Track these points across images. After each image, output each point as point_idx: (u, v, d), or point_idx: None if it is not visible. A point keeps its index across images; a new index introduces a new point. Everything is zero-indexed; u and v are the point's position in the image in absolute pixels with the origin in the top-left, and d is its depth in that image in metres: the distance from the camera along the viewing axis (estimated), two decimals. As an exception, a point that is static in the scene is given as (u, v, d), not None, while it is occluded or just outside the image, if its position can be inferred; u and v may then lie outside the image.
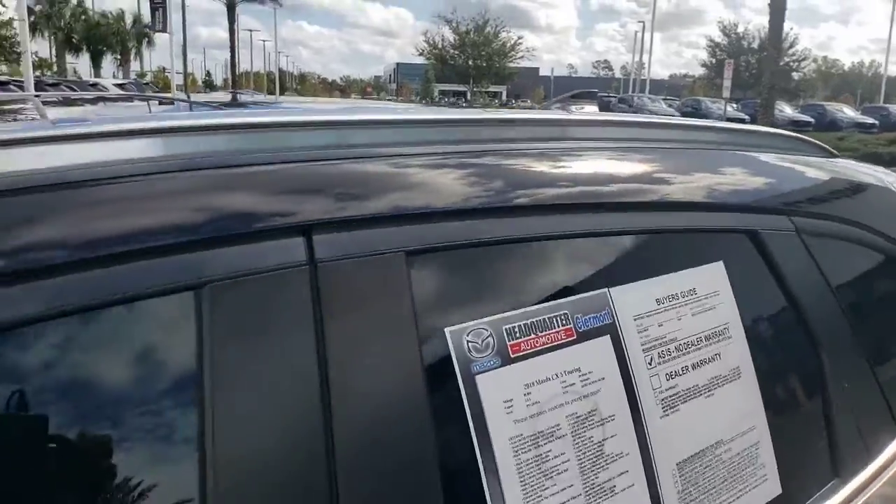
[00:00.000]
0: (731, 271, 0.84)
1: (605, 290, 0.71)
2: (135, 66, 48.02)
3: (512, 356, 0.63)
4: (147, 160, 0.56)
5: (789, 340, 0.89)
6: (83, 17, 42.48)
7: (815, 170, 1.09)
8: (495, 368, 0.62)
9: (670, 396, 0.73)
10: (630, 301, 0.73)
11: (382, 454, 0.55)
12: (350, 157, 0.65)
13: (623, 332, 0.71)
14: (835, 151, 1.24)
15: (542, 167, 0.77)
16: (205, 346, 0.51)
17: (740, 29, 52.50)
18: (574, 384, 0.66)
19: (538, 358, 0.64)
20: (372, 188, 0.64)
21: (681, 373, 0.75)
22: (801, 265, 0.91)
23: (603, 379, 0.68)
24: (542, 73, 79.38)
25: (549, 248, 0.72)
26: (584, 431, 0.65)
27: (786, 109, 26.95)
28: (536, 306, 0.66)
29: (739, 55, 46.26)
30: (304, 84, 77.57)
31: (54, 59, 41.32)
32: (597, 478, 0.65)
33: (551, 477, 0.62)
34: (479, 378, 0.61)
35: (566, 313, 0.67)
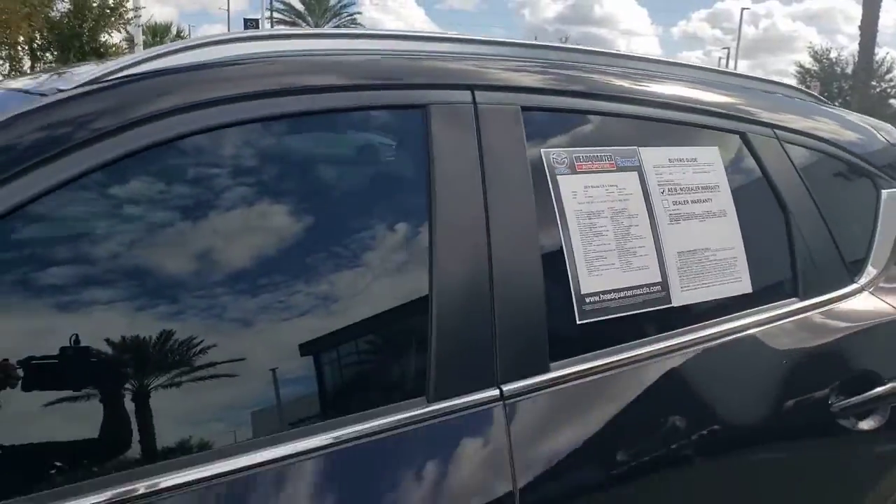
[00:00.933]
0: (724, 156, 1.32)
1: (636, 147, 1.21)
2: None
3: (577, 170, 1.13)
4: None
5: (762, 201, 1.35)
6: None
7: (799, 104, 1.55)
8: (567, 174, 1.12)
9: (675, 213, 1.21)
10: (652, 156, 1.22)
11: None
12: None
13: (645, 172, 1.20)
14: (826, 101, 1.69)
15: (618, 80, 1.28)
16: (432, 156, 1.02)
17: (833, 55, 50.83)
18: (613, 192, 1.15)
19: (592, 175, 1.14)
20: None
21: (683, 203, 1.23)
22: (777, 158, 1.38)
23: (631, 194, 1.17)
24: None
25: (611, 122, 1.23)
26: (618, 217, 1.15)
27: None
28: (593, 148, 1.17)
29: (832, 81, 44.62)
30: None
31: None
32: (624, 245, 1.14)
33: (598, 236, 1.12)
34: (559, 178, 1.11)
35: (610, 155, 1.17)
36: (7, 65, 9.71)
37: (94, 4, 9.71)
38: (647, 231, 1.17)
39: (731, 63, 46.57)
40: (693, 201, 1.25)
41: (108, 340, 0.81)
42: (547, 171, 1.11)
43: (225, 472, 0.81)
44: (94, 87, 0.86)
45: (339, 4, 41.84)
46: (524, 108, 1.11)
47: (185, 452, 0.82)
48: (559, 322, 1.06)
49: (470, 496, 0.94)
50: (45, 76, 1.16)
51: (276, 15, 36.59)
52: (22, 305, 0.79)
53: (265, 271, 0.92)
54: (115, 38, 10.39)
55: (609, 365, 1.08)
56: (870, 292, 1.41)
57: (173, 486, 0.78)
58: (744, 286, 1.27)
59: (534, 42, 1.31)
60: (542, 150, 1.11)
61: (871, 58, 18.69)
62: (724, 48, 54.00)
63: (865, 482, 1.37)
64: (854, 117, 1.68)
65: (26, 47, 9.53)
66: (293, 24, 41.02)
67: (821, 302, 1.35)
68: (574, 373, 1.05)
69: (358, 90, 1.02)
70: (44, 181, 0.78)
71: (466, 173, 1.03)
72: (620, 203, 1.16)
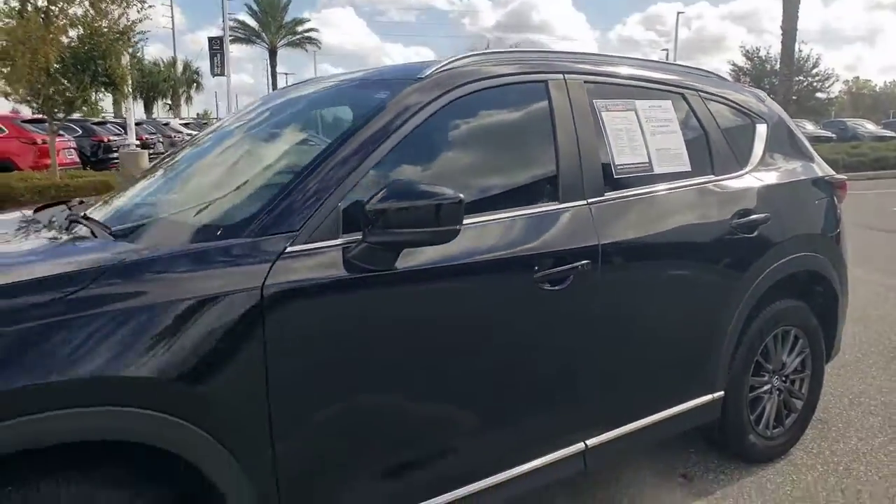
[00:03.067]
0: (674, 105, 2.68)
1: (633, 100, 2.55)
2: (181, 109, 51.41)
3: (609, 110, 2.46)
4: None
5: (693, 127, 2.70)
6: (139, 67, 46.04)
7: (713, 79, 2.94)
8: (606, 112, 2.45)
9: (652, 130, 2.55)
10: (641, 105, 2.56)
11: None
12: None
13: (638, 111, 2.53)
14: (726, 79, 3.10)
15: (626, 67, 2.62)
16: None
17: (762, 53, 54.57)
18: (625, 120, 2.49)
19: (615, 112, 2.47)
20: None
21: (656, 126, 2.57)
22: (700, 106, 2.75)
23: (633, 121, 2.51)
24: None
25: (622, 87, 2.55)
26: (628, 131, 2.47)
27: (807, 126, 28.62)
28: (615, 100, 2.50)
29: (762, 78, 47.47)
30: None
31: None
32: (632, 144, 2.47)
33: (620, 139, 2.44)
34: (603, 114, 2.44)
35: (623, 103, 2.51)
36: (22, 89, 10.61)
37: (105, 29, 10.71)
38: (640, 138, 2.51)
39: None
40: (660, 126, 2.60)
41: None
42: (597, 110, 2.43)
43: None
44: (438, 70, 2.13)
45: (293, 21, 42.82)
46: (585, 81, 2.44)
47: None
48: (608, 174, 2.38)
49: None
50: (375, 77, 2.44)
51: (230, 34, 37.26)
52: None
53: (505, 175, 2.20)
54: (123, 60, 11.38)
55: (630, 195, 2.41)
56: (747, 173, 2.80)
57: None
58: (686, 167, 2.62)
59: (587, 51, 2.65)
60: (594, 100, 2.44)
61: (791, 55, 20.88)
62: (662, 49, 56.93)
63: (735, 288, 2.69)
64: (740, 86, 3.07)
65: (43, 71, 10.41)
66: (248, 41, 41.87)
67: (726, 177, 2.72)
68: (616, 197, 2.36)
69: (527, 73, 2.32)
70: (426, 112, 2.04)
71: (566, 112, 2.34)
72: (629, 125, 2.50)
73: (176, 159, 2.69)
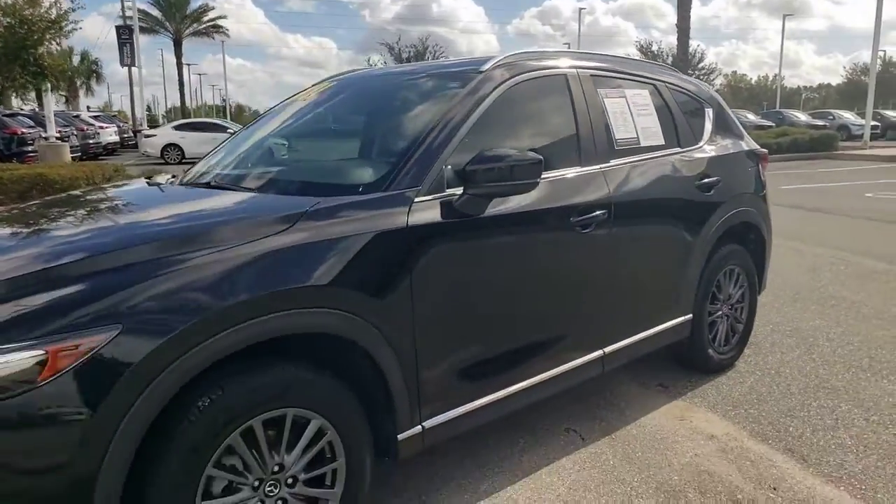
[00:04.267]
0: (650, 93, 3.45)
1: (622, 88, 3.29)
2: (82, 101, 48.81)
3: (608, 97, 3.18)
4: None
5: (663, 110, 3.49)
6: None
7: (673, 72, 3.75)
8: (607, 98, 3.17)
9: (637, 113, 3.30)
10: (629, 92, 3.31)
11: None
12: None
13: (627, 97, 3.28)
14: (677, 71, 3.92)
15: (618, 64, 3.35)
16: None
17: (654, 48, 58.45)
18: (620, 104, 3.22)
19: (613, 98, 3.20)
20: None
21: (639, 109, 3.33)
22: (666, 93, 3.53)
23: (624, 105, 3.25)
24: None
25: (617, 79, 3.29)
26: (622, 112, 3.21)
27: (749, 116, 31.03)
28: (614, 88, 3.23)
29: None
30: (241, 116, 78.94)
31: None
32: (624, 123, 3.21)
33: (617, 119, 3.17)
34: (605, 100, 3.16)
35: (619, 91, 3.24)
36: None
37: (36, 18, 10.53)
38: (630, 119, 3.26)
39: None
40: (642, 109, 3.36)
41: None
42: (600, 96, 3.15)
43: None
44: (492, 66, 2.77)
45: (199, 9, 41.57)
46: (591, 74, 3.16)
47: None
48: (611, 146, 3.10)
49: None
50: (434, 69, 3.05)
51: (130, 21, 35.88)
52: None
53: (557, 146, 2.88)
54: (54, 50, 11.18)
55: (627, 162, 3.14)
56: (702, 146, 3.62)
57: None
58: (661, 141, 3.40)
59: (590, 52, 3.36)
60: (598, 88, 3.16)
61: (686, 50, 22.71)
62: (564, 43, 59.37)
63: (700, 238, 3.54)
64: (691, 78, 3.90)
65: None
66: (151, 30, 40.31)
67: (688, 149, 3.52)
68: (618, 164, 3.09)
69: (552, 68, 3.00)
70: (491, 98, 2.68)
71: (580, 97, 3.04)
72: (622, 108, 3.24)
73: (262, 134, 3.22)
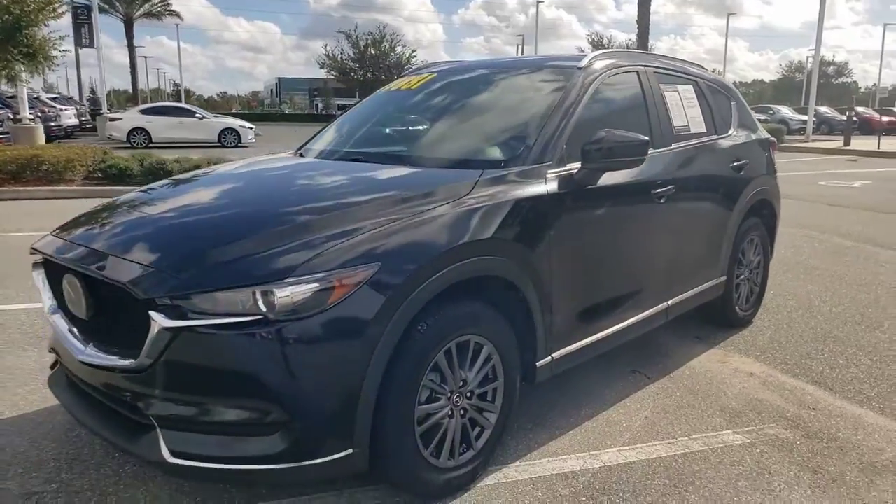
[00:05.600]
0: (694, 89, 4.05)
1: (675, 84, 3.88)
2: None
3: (666, 90, 3.77)
4: None
5: (704, 103, 4.10)
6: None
7: (707, 73, 4.36)
8: (666, 91, 3.75)
9: (686, 105, 3.90)
10: (681, 87, 3.90)
11: None
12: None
13: (679, 92, 3.87)
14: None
15: (668, 61, 3.94)
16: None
17: (605, 42, 60.15)
18: (674, 97, 3.81)
19: (669, 92, 3.79)
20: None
21: (687, 101, 3.93)
22: (705, 89, 4.14)
23: (677, 98, 3.84)
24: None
25: (669, 76, 3.87)
26: (676, 103, 3.80)
27: None
28: (668, 84, 3.81)
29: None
30: (189, 101, 77.18)
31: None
32: (679, 112, 3.80)
33: (672, 109, 3.76)
34: (665, 93, 3.74)
35: (672, 86, 3.83)
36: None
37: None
38: (682, 110, 3.85)
39: (528, 49, 52.36)
40: (689, 102, 3.96)
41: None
42: (662, 90, 3.73)
43: None
44: (588, 62, 3.30)
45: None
46: (654, 72, 3.73)
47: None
48: (671, 132, 3.68)
49: None
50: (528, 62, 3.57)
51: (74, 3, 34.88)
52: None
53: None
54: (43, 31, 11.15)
55: (684, 146, 3.73)
56: (732, 134, 4.26)
57: None
58: (704, 129, 4.01)
59: (653, 53, 3.92)
60: (660, 84, 3.73)
61: (646, 45, 23.64)
62: (518, 35, 60.26)
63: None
64: (718, 77, 4.53)
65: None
66: (102, 10, 39.08)
67: (723, 136, 4.15)
68: (678, 147, 3.67)
69: (629, 65, 3.56)
70: (591, 89, 3.22)
71: (649, 90, 3.61)
72: (677, 101, 3.83)
73: (381, 116, 3.70)
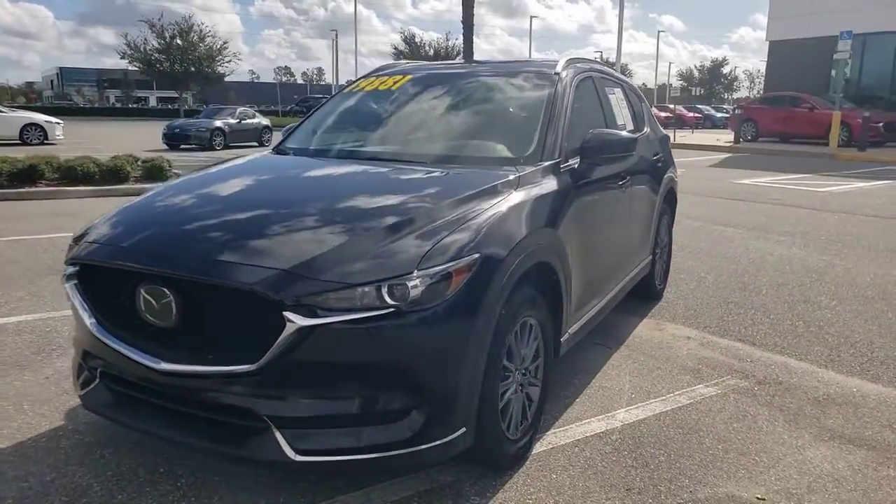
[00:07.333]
0: (621, 92, 4.59)
1: (614, 88, 4.37)
2: None
3: (608, 93, 4.25)
4: None
5: (629, 105, 4.65)
6: None
7: (627, 78, 4.92)
8: (608, 93, 4.23)
9: (619, 105, 4.42)
10: (616, 90, 4.40)
11: None
12: None
13: (616, 93, 4.38)
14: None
15: (605, 69, 4.42)
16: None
17: (417, 39, 62.04)
18: (615, 96, 4.30)
19: (612, 95, 4.28)
20: None
21: (620, 102, 4.45)
22: (630, 94, 4.70)
23: (616, 99, 4.34)
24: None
25: (610, 81, 4.36)
26: (620, 103, 4.30)
27: None
28: (610, 87, 4.29)
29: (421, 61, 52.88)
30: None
31: None
32: (622, 111, 4.30)
33: (615, 107, 4.25)
34: (609, 95, 4.21)
35: (613, 87, 4.32)
36: None
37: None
38: (620, 110, 4.36)
39: (342, 42, 51.54)
40: (622, 102, 4.48)
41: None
42: (606, 91, 4.19)
43: None
44: (563, 68, 3.64)
45: None
46: (601, 77, 4.18)
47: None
48: (619, 129, 4.16)
49: None
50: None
51: None
52: None
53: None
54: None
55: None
56: (647, 132, 4.86)
57: None
58: (632, 126, 4.56)
59: (598, 60, 4.36)
60: (605, 87, 4.19)
61: (471, 44, 24.85)
62: (331, 30, 60.04)
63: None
64: (630, 81, 5.11)
65: None
66: None
67: (644, 133, 4.73)
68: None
69: (586, 71, 3.97)
70: (571, 92, 3.56)
71: (601, 92, 4.05)
72: (617, 101, 4.32)
73: (375, 117, 3.79)
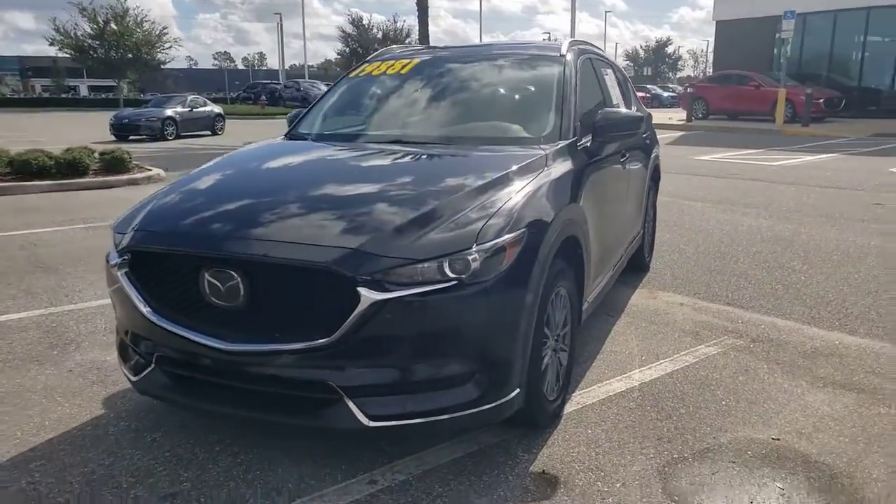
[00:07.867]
0: (612, 72, 4.80)
1: (608, 69, 4.58)
2: None
3: (603, 74, 4.45)
4: None
5: (618, 85, 4.87)
6: None
7: (613, 60, 5.15)
8: (603, 74, 4.43)
9: (612, 85, 4.63)
10: (609, 71, 4.61)
11: None
12: None
13: (609, 74, 4.58)
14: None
15: (599, 51, 4.62)
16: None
17: (365, 21, 61.45)
18: (608, 76, 4.51)
19: (607, 76, 4.48)
20: None
21: (612, 82, 4.65)
22: (619, 75, 4.92)
23: (610, 79, 4.54)
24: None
25: (603, 63, 4.56)
26: (612, 83, 4.50)
27: None
28: (605, 69, 4.49)
29: (369, 45, 52.32)
30: None
31: None
32: (615, 91, 4.51)
33: (609, 88, 4.45)
34: (605, 76, 4.41)
35: (606, 69, 4.52)
36: None
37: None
38: (614, 89, 4.56)
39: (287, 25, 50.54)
40: (614, 82, 4.68)
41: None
42: (603, 71, 4.38)
43: None
44: (567, 50, 3.82)
45: None
46: (597, 58, 4.37)
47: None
48: (614, 106, 4.36)
49: None
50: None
51: None
52: None
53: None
54: None
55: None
56: (634, 110, 5.10)
57: None
58: (622, 104, 4.78)
59: (593, 43, 4.55)
60: (601, 68, 4.39)
61: (426, 28, 24.84)
62: (276, 13, 58.76)
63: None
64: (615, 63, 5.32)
65: None
66: None
67: (633, 111, 4.96)
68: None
69: (585, 52, 4.15)
70: (577, 71, 3.74)
71: (599, 72, 4.25)
72: (610, 81, 4.52)
73: (393, 103, 3.90)
